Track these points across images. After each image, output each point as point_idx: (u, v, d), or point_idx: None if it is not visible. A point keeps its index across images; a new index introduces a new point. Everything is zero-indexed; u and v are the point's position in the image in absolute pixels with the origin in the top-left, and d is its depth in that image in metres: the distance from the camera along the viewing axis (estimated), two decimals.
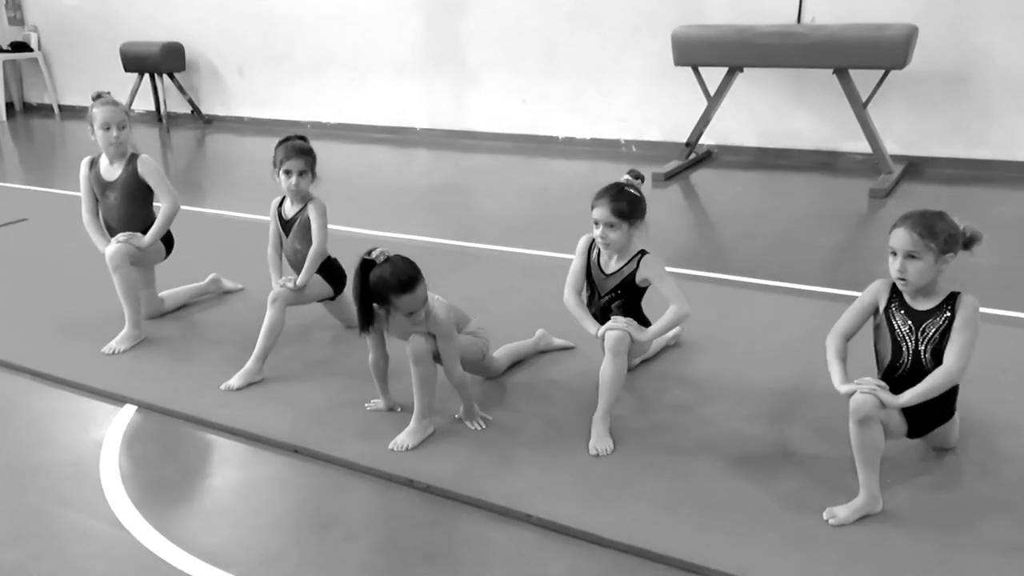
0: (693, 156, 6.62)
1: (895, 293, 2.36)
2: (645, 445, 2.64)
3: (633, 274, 2.78)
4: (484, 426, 2.77)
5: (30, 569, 2.21)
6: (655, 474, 2.48)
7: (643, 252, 2.79)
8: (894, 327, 2.35)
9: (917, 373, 2.30)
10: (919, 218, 2.25)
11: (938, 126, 6.08)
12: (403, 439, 2.67)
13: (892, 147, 6.02)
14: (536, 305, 3.69)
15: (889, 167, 5.82)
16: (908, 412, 2.32)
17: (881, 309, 2.38)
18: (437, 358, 2.71)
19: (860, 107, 5.77)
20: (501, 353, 3.12)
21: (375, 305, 2.60)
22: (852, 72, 5.71)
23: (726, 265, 4.36)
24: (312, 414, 2.89)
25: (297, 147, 3.26)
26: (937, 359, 2.28)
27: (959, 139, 6.00)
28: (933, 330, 2.28)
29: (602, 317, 2.84)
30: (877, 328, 2.41)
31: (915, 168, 6.10)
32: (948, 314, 2.27)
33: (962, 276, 3.87)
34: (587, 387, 2.93)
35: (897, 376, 2.34)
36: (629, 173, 2.86)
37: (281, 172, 3.25)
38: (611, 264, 2.82)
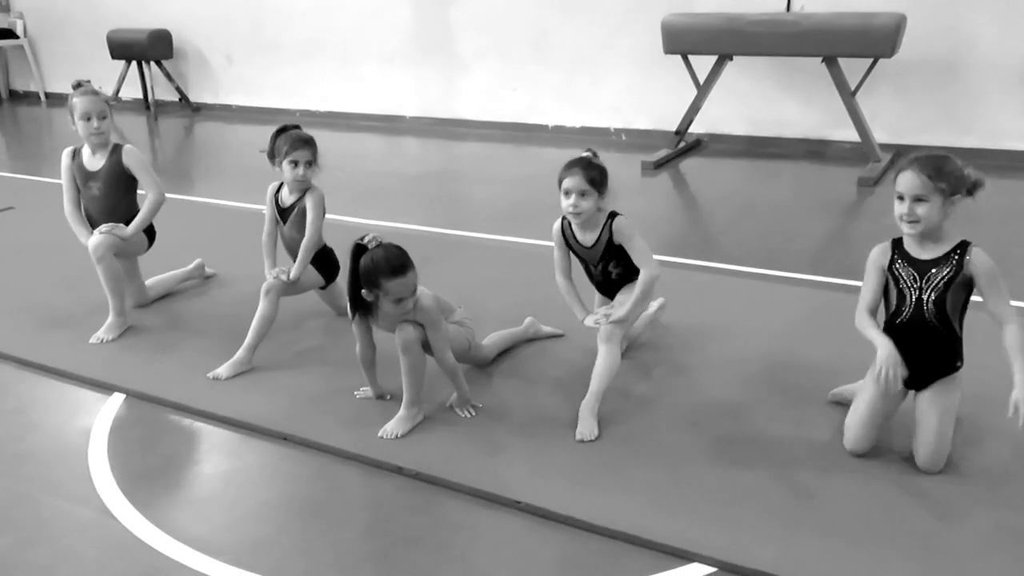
0: (683, 144, 6.63)
1: (896, 249, 2.36)
2: (632, 431, 2.65)
3: (611, 238, 2.82)
4: (474, 414, 2.77)
5: (18, 556, 2.21)
6: (643, 460, 2.50)
7: (612, 216, 2.82)
8: (899, 278, 2.34)
9: (918, 321, 2.32)
10: (927, 160, 2.24)
11: (926, 115, 6.10)
12: (392, 427, 2.67)
13: (880, 135, 6.04)
14: (525, 293, 3.70)
15: (877, 155, 5.84)
16: (914, 362, 2.32)
17: (885, 268, 2.38)
18: (426, 347, 2.72)
19: (849, 95, 5.78)
20: (490, 341, 3.13)
21: (363, 291, 2.60)
22: (841, 61, 5.72)
23: (715, 253, 4.37)
24: (301, 402, 2.89)
25: (303, 137, 3.25)
26: (940, 308, 2.29)
27: (947, 127, 6.02)
28: (938, 279, 2.28)
29: (604, 282, 2.94)
30: (886, 284, 2.40)
31: (903, 156, 6.12)
32: (956, 262, 2.26)
33: None
34: (575, 374, 2.95)
35: (898, 323, 2.36)
36: (587, 151, 2.85)
37: (286, 163, 3.23)
38: (587, 238, 2.85)
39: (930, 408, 2.38)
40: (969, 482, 2.35)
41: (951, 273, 2.27)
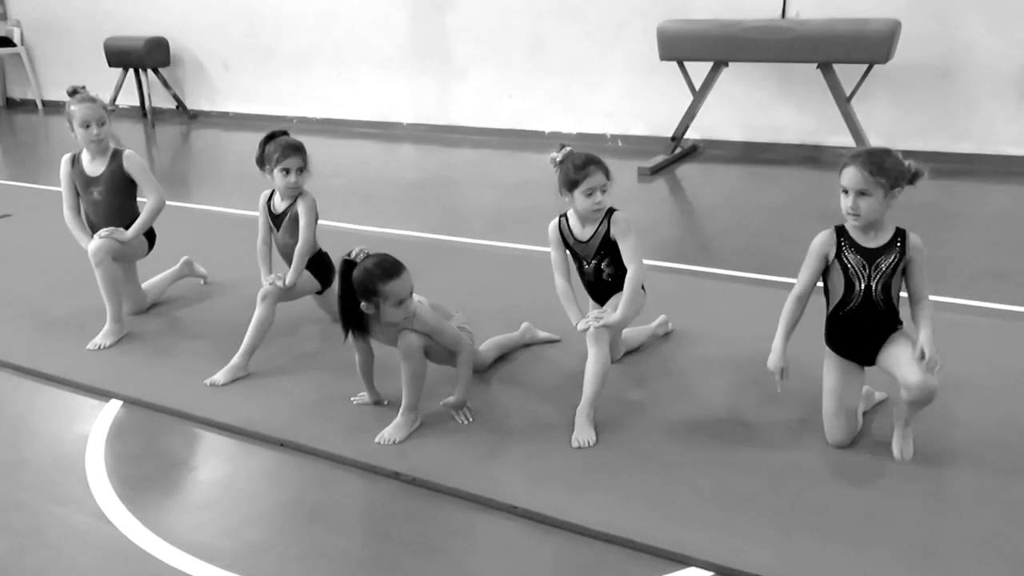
0: (679, 150, 6.64)
1: (842, 238, 2.46)
2: (629, 436, 2.66)
3: (608, 232, 2.84)
4: (471, 419, 2.78)
5: (16, 563, 2.21)
6: (639, 464, 2.50)
7: (611, 210, 2.85)
8: (847, 266, 2.44)
9: (867, 307, 2.43)
10: (868, 156, 2.37)
11: (921, 120, 6.12)
12: (389, 433, 2.68)
13: (876, 141, 6.04)
14: (521, 298, 3.70)
15: None
16: (853, 347, 2.51)
17: (832, 257, 2.47)
18: (427, 354, 2.73)
19: (844, 101, 5.80)
20: (487, 346, 3.14)
21: (363, 304, 2.60)
22: (836, 66, 5.74)
23: (711, 258, 4.38)
24: (298, 408, 2.90)
25: (293, 144, 3.25)
26: (887, 293, 2.41)
27: (942, 133, 6.04)
28: (885, 265, 2.40)
29: (596, 282, 2.93)
30: (830, 270, 2.49)
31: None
32: (899, 250, 2.40)
33: (948, 270, 3.91)
34: (572, 380, 2.95)
35: (847, 310, 2.47)
36: (561, 147, 2.86)
37: (277, 171, 3.23)
38: (585, 232, 2.86)
39: (894, 352, 2.44)
40: (961, 483, 2.36)
41: (896, 259, 2.40)
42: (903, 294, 2.47)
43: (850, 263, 2.43)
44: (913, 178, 2.37)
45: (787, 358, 2.51)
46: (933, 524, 2.20)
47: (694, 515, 2.26)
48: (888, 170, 2.33)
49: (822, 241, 2.48)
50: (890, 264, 2.39)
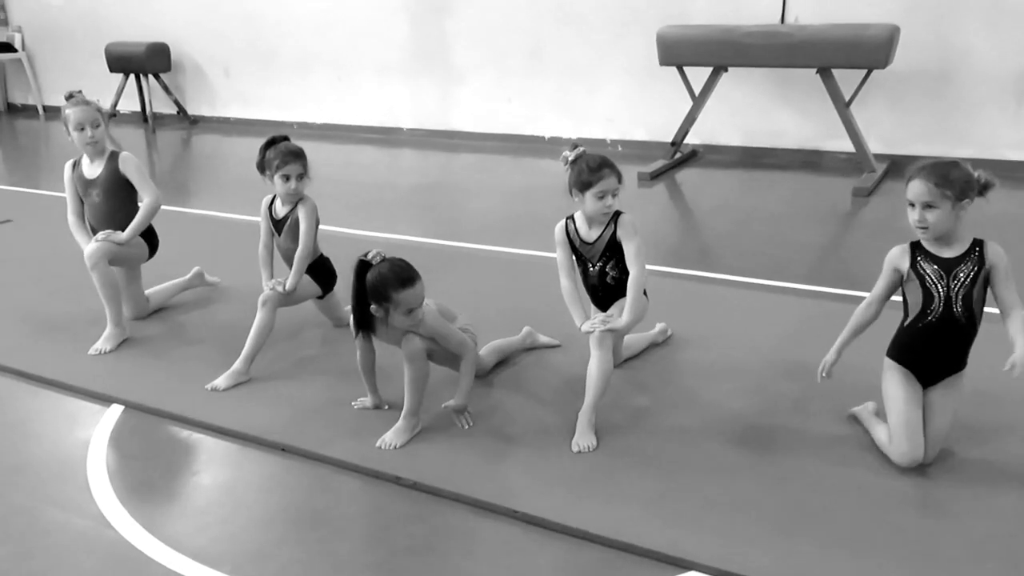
0: (678, 155, 6.65)
1: (917, 250, 2.41)
2: (630, 440, 2.66)
3: (614, 234, 2.84)
4: (472, 423, 2.78)
5: (17, 568, 2.22)
6: (640, 469, 2.51)
7: (618, 212, 2.85)
8: (924, 277, 2.38)
9: (947, 319, 2.37)
10: (933, 168, 2.32)
11: (920, 125, 6.13)
12: (390, 437, 2.68)
13: (875, 146, 6.07)
14: (522, 303, 3.71)
15: (872, 166, 5.87)
16: (924, 361, 2.44)
17: (906, 269, 2.42)
18: (429, 356, 2.74)
19: (843, 106, 5.81)
20: (487, 351, 3.14)
21: (372, 307, 2.61)
22: (835, 72, 5.76)
23: (711, 263, 4.39)
24: (299, 412, 2.90)
25: (293, 151, 3.25)
26: (968, 306, 2.35)
27: (941, 138, 6.05)
28: (964, 275, 2.34)
29: (599, 285, 2.93)
30: (907, 282, 2.44)
31: (898, 167, 6.13)
32: (977, 260, 2.34)
33: None
34: (572, 384, 2.95)
35: (926, 322, 2.40)
36: (574, 147, 2.87)
37: (278, 177, 3.23)
38: (592, 233, 2.87)
39: (936, 407, 2.45)
40: (963, 487, 2.36)
41: (975, 268, 2.34)
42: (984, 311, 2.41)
43: (927, 273, 2.37)
44: (983, 189, 2.33)
45: (838, 357, 2.51)
46: (932, 529, 2.20)
47: (695, 519, 2.27)
48: (954, 181, 2.29)
49: (894, 254, 2.45)
50: (969, 274, 2.34)
